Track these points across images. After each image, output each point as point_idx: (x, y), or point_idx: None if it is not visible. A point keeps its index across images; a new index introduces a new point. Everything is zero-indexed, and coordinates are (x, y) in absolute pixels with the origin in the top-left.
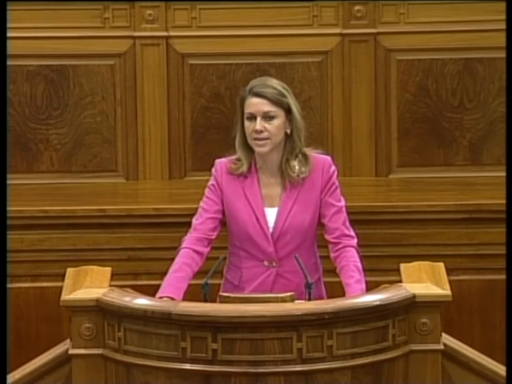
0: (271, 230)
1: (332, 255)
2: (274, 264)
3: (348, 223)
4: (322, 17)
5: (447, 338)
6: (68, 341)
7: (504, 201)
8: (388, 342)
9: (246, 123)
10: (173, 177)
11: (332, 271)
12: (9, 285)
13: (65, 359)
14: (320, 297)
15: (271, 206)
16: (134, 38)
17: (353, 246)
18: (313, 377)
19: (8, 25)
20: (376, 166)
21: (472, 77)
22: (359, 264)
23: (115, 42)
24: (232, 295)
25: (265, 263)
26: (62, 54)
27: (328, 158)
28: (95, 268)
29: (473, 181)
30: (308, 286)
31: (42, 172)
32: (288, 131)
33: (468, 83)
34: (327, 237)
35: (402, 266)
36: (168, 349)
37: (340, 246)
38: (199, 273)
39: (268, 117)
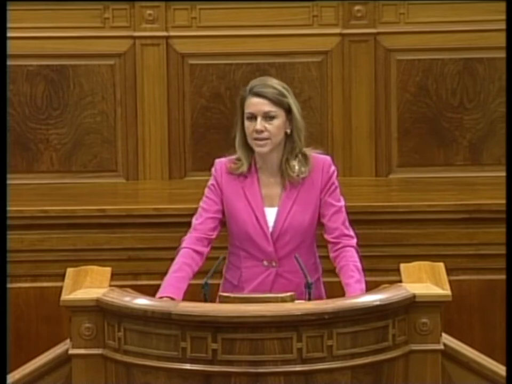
0: (270, 229)
1: (331, 255)
2: (273, 264)
3: (347, 223)
4: (322, 17)
5: (447, 338)
6: (68, 341)
7: (504, 201)
8: (388, 342)
9: (246, 123)
10: (173, 177)
11: (332, 271)
12: (9, 285)
13: (65, 359)
14: (319, 297)
15: (271, 205)
16: (134, 38)
17: (352, 246)
18: (313, 377)
19: (8, 25)
20: (376, 166)
21: (472, 77)
22: (358, 264)
23: (115, 42)
24: (232, 295)
25: (265, 262)
26: (62, 54)
27: (328, 158)
28: (95, 268)
29: (473, 181)
30: (308, 286)
31: (42, 172)
32: (288, 131)
33: (468, 83)
34: (326, 236)
35: (402, 266)
36: (168, 349)
37: (340, 245)
38: (199, 273)
39: (268, 117)
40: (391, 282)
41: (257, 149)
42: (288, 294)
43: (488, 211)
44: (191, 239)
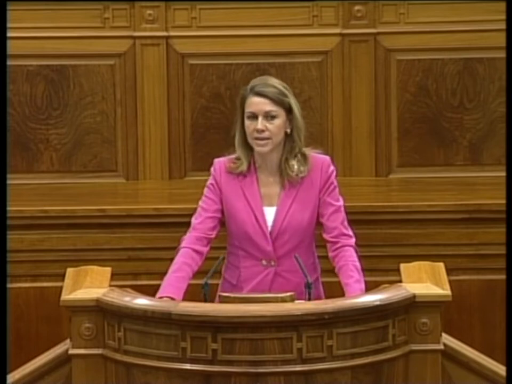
0: (269, 228)
1: (330, 254)
2: (272, 263)
3: (346, 223)
4: (322, 17)
5: (447, 338)
6: (68, 341)
7: (504, 201)
8: (388, 342)
9: (247, 122)
10: (173, 177)
11: (330, 271)
12: (9, 285)
13: (65, 359)
14: (318, 297)
15: (270, 205)
16: (134, 38)
17: (351, 246)
18: (313, 377)
19: (8, 25)
20: (376, 166)
21: (472, 77)
22: (357, 263)
23: (115, 42)
24: (232, 295)
25: (264, 262)
26: (62, 54)
27: (327, 158)
28: (95, 268)
29: (473, 181)
30: (308, 286)
31: (42, 172)
32: (288, 131)
33: (468, 83)
34: (325, 236)
35: (402, 266)
36: (168, 349)
37: (338, 245)
38: (199, 273)
39: (269, 116)
40: (391, 282)
41: (257, 149)
42: (288, 294)
43: (488, 211)
44: (191, 238)
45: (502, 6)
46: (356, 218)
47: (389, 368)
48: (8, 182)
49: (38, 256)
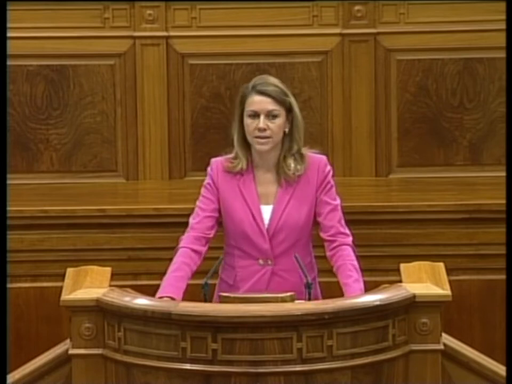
0: (266, 226)
1: (328, 253)
2: (269, 262)
3: (343, 222)
4: (322, 17)
5: (447, 338)
6: (68, 341)
7: (504, 201)
8: (388, 342)
9: (248, 120)
10: (173, 177)
11: (329, 271)
12: (9, 285)
13: (65, 359)
14: (315, 297)
15: (267, 203)
16: (134, 38)
17: (348, 244)
18: (313, 377)
19: (8, 25)
20: (376, 166)
21: (472, 77)
22: (355, 262)
23: (115, 42)
24: (232, 295)
25: (261, 261)
26: (62, 54)
27: (324, 157)
28: (95, 268)
29: (473, 181)
30: (308, 286)
31: (42, 172)
32: (286, 130)
33: (468, 83)
34: (322, 235)
35: (402, 266)
36: (168, 349)
37: (336, 244)
38: (199, 273)
39: (271, 115)
40: (391, 282)
41: (258, 147)
42: (288, 294)
43: (488, 211)
44: (189, 238)
45: (502, 6)
46: (356, 218)
47: (389, 368)
48: (8, 182)
49: (38, 256)
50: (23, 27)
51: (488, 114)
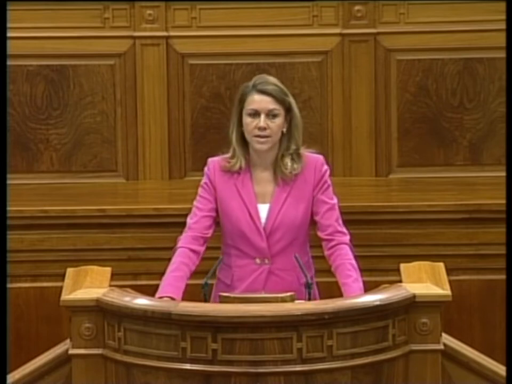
0: (263, 225)
1: (326, 253)
2: (266, 261)
3: (340, 221)
4: (322, 17)
5: (447, 338)
6: (68, 341)
7: (504, 201)
8: (388, 342)
9: (248, 119)
10: (173, 177)
11: (327, 271)
12: (9, 285)
13: (65, 359)
14: (313, 297)
15: (264, 202)
16: (134, 38)
17: (346, 243)
18: (313, 377)
19: (8, 25)
20: (376, 166)
21: (472, 77)
22: (354, 261)
23: (115, 42)
24: (232, 295)
25: (257, 260)
26: (62, 54)
27: (321, 157)
28: (95, 268)
29: (473, 181)
30: (308, 286)
31: (42, 172)
32: (284, 130)
33: (468, 83)
34: (320, 234)
35: (402, 266)
36: (168, 349)
37: (333, 243)
38: (198, 273)
39: (271, 114)
40: (391, 282)
41: (257, 146)
42: (288, 294)
43: (488, 211)
44: (187, 238)
45: (502, 6)
46: (356, 218)
47: (389, 368)
48: (8, 182)
49: (38, 256)
50: (23, 27)
51: (488, 114)
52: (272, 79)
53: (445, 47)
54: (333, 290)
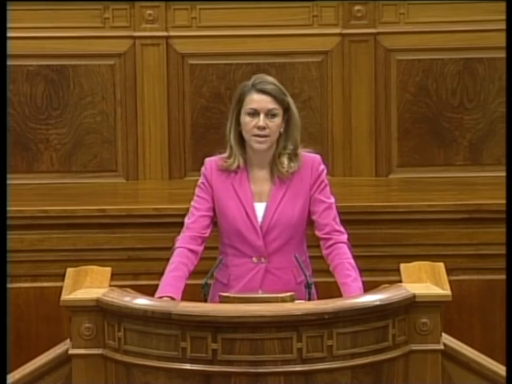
0: (259, 223)
1: (324, 252)
2: (263, 260)
3: (338, 220)
4: (322, 17)
5: (447, 338)
6: (68, 341)
7: (504, 201)
8: (388, 342)
9: (246, 118)
10: (173, 177)
11: (324, 271)
12: (9, 285)
13: (65, 359)
14: (311, 297)
15: (260, 201)
16: (134, 38)
17: (344, 242)
18: (313, 377)
19: (8, 25)
20: (376, 166)
21: (472, 77)
22: (352, 261)
23: (115, 42)
24: (232, 295)
25: (254, 259)
26: (62, 54)
27: (318, 156)
28: (95, 268)
29: (473, 181)
30: (308, 286)
31: (42, 172)
32: (281, 130)
33: (468, 83)
34: (317, 233)
35: (402, 266)
36: (168, 349)
37: (331, 242)
38: (198, 273)
39: (271, 114)
40: (391, 282)
41: (256, 145)
42: (288, 294)
43: (488, 211)
44: (185, 238)
45: (502, 6)
46: (356, 218)
47: (389, 368)
48: (8, 182)
49: (38, 256)
50: (23, 27)
51: (488, 114)
52: (270, 78)
53: (445, 47)
54: (332, 291)
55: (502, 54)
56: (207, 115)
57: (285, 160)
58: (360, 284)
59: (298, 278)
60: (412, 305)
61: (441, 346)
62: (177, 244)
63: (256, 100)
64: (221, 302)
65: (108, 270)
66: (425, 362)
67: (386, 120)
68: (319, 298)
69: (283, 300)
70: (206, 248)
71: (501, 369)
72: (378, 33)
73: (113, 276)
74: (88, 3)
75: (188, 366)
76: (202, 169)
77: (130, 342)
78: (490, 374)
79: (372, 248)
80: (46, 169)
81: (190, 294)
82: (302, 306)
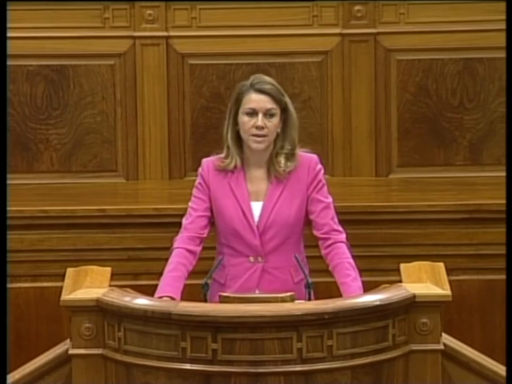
0: (256, 223)
1: (323, 252)
2: (260, 259)
3: (336, 219)
4: (322, 17)
5: (447, 338)
6: (68, 341)
7: (504, 201)
8: (388, 342)
9: (245, 118)
10: (173, 177)
11: (322, 271)
12: (9, 285)
13: (65, 359)
14: (305, 297)
15: (257, 200)
16: (134, 38)
17: (343, 242)
18: (313, 377)
19: (8, 25)
20: (376, 166)
21: (472, 77)
22: (351, 260)
23: (115, 42)
24: (232, 295)
25: (251, 259)
26: (62, 54)
27: (315, 156)
28: (95, 268)
29: (473, 181)
30: (308, 286)
31: (42, 172)
32: (278, 130)
33: (468, 83)
34: (316, 233)
35: (402, 266)
36: (168, 349)
37: (330, 241)
38: (198, 274)
39: (269, 114)
40: (391, 282)
41: (254, 145)
42: (288, 294)
43: (488, 211)
44: (183, 239)
45: (502, 6)
46: (356, 218)
47: (389, 368)
48: (8, 182)
49: (38, 256)
50: (23, 27)
51: (488, 114)
52: (268, 78)
53: (445, 47)
54: (331, 291)
55: (502, 54)
56: (207, 115)
57: (282, 159)
58: (360, 284)
59: (295, 277)
60: (411, 305)
61: (441, 346)
62: (175, 244)
63: (255, 100)
64: (220, 302)
65: (107, 270)
66: (425, 362)
67: (386, 120)
68: (315, 298)
69: (283, 300)
70: (206, 248)
71: (501, 369)
72: (378, 33)
73: (113, 275)
74: (88, 3)
75: (187, 366)
76: (199, 169)
77: (130, 342)
78: (490, 374)
79: (372, 248)
80: (46, 169)
81: (190, 294)
82: (302, 306)
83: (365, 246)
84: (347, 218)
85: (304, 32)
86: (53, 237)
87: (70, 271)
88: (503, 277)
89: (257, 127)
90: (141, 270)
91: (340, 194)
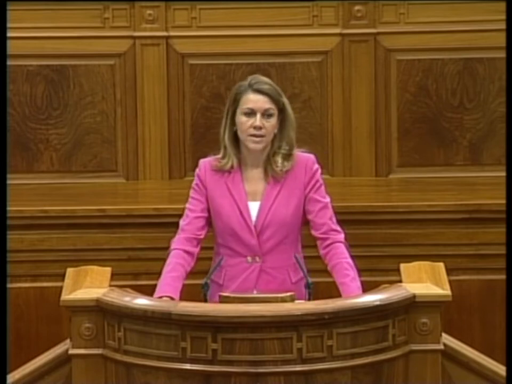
0: (253, 222)
1: (321, 252)
2: (257, 259)
3: (334, 219)
4: (322, 17)
5: (447, 338)
6: (68, 341)
7: (504, 201)
8: (388, 342)
9: (243, 118)
10: (173, 177)
11: (321, 271)
12: (9, 285)
13: (65, 359)
14: (304, 297)
15: (254, 200)
16: (134, 38)
17: (341, 242)
18: (313, 377)
19: (8, 25)
20: (376, 166)
21: (472, 77)
22: (350, 260)
23: (115, 42)
24: (232, 295)
25: (249, 258)
26: (62, 54)
27: (312, 156)
28: (95, 268)
29: (473, 181)
30: (308, 286)
31: (42, 172)
32: (276, 130)
33: (468, 83)
34: (314, 233)
35: (402, 266)
36: (168, 349)
37: (329, 241)
38: (198, 273)
39: (267, 114)
40: (391, 282)
41: (251, 145)
42: (288, 294)
43: (488, 211)
44: (180, 240)
45: (502, 6)
46: (356, 218)
47: (389, 368)
48: (8, 182)
49: (38, 256)
50: (23, 27)
51: (488, 114)
52: (266, 79)
53: (445, 47)
54: (330, 291)
55: (502, 54)
56: (207, 115)
57: (279, 159)
58: (359, 283)
59: (293, 277)
60: (411, 305)
61: (441, 346)
62: (173, 245)
63: (253, 100)
64: (220, 302)
65: (107, 270)
66: (425, 362)
67: (386, 120)
68: (314, 298)
69: (283, 300)
70: (205, 248)
71: (501, 369)
72: (378, 33)
73: (113, 275)
74: (88, 3)
75: (187, 366)
76: (196, 170)
77: (130, 342)
78: (490, 374)
79: (372, 248)
80: (46, 169)
81: (189, 294)
82: (302, 306)
83: (365, 246)
84: (347, 218)
85: (304, 32)
86: (53, 237)
87: (70, 271)
88: (503, 277)
89: (255, 127)
90: (141, 270)
91: (339, 194)
